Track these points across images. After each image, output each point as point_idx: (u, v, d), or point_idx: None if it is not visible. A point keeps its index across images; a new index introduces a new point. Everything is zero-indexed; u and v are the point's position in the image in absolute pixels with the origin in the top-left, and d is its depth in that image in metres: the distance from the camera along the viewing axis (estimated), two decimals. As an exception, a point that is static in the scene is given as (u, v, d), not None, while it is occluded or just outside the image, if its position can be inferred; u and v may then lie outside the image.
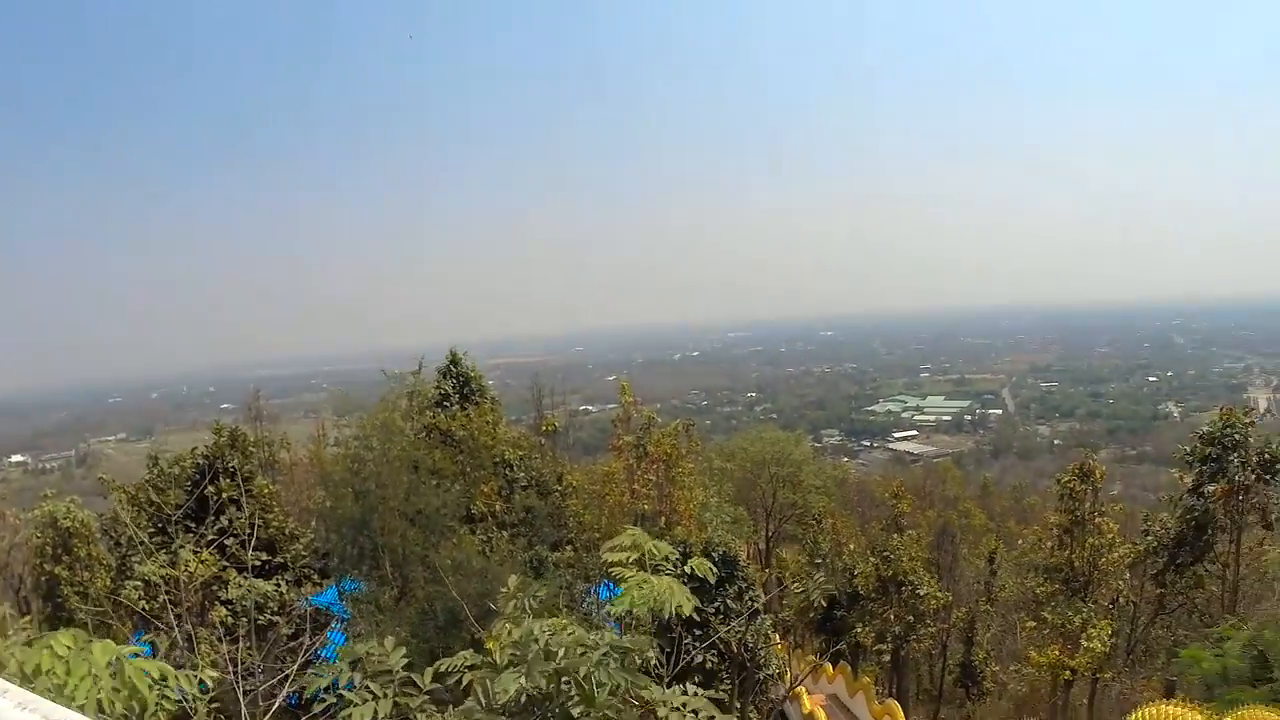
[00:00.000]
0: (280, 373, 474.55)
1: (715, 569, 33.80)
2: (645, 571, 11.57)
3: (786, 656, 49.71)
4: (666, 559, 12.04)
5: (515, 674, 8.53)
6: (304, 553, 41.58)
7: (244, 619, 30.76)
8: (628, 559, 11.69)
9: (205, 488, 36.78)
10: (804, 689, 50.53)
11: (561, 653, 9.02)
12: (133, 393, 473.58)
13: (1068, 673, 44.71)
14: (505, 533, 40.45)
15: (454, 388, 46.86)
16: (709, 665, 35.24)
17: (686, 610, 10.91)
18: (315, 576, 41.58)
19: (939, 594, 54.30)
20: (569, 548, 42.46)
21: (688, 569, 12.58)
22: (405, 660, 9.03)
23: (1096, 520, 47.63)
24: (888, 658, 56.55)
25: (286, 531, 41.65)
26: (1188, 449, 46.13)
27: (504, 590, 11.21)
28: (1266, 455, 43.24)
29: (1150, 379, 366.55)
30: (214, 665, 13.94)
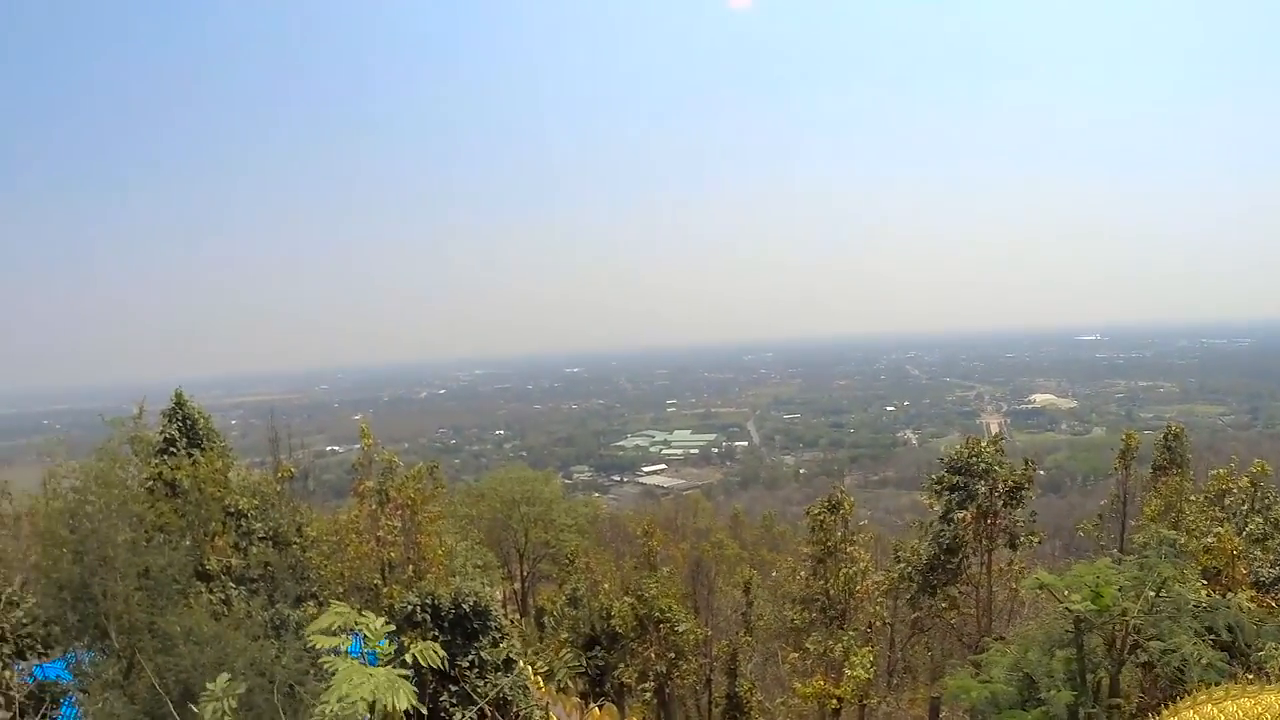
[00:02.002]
0: (12, 410, 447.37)
1: (470, 620, 32.03)
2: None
3: (549, 703, 48.13)
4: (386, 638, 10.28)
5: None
6: (25, 620, 37.46)
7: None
8: (342, 645, 9.87)
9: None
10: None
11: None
12: None
13: (834, 701, 44.50)
14: (243, 589, 37.69)
15: (180, 431, 43.04)
16: (468, 722, 33.31)
17: (404, 705, 9.27)
18: (39, 646, 37.57)
19: (698, 629, 53.78)
20: (313, 602, 39.94)
21: (409, 658, 10.59)
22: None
23: (848, 550, 47.85)
24: (652, 695, 55.52)
25: (4, 597, 37.50)
26: (935, 477, 46.93)
27: (208, 690, 9.42)
28: (1012, 482, 44.42)
29: (888, 408, 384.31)
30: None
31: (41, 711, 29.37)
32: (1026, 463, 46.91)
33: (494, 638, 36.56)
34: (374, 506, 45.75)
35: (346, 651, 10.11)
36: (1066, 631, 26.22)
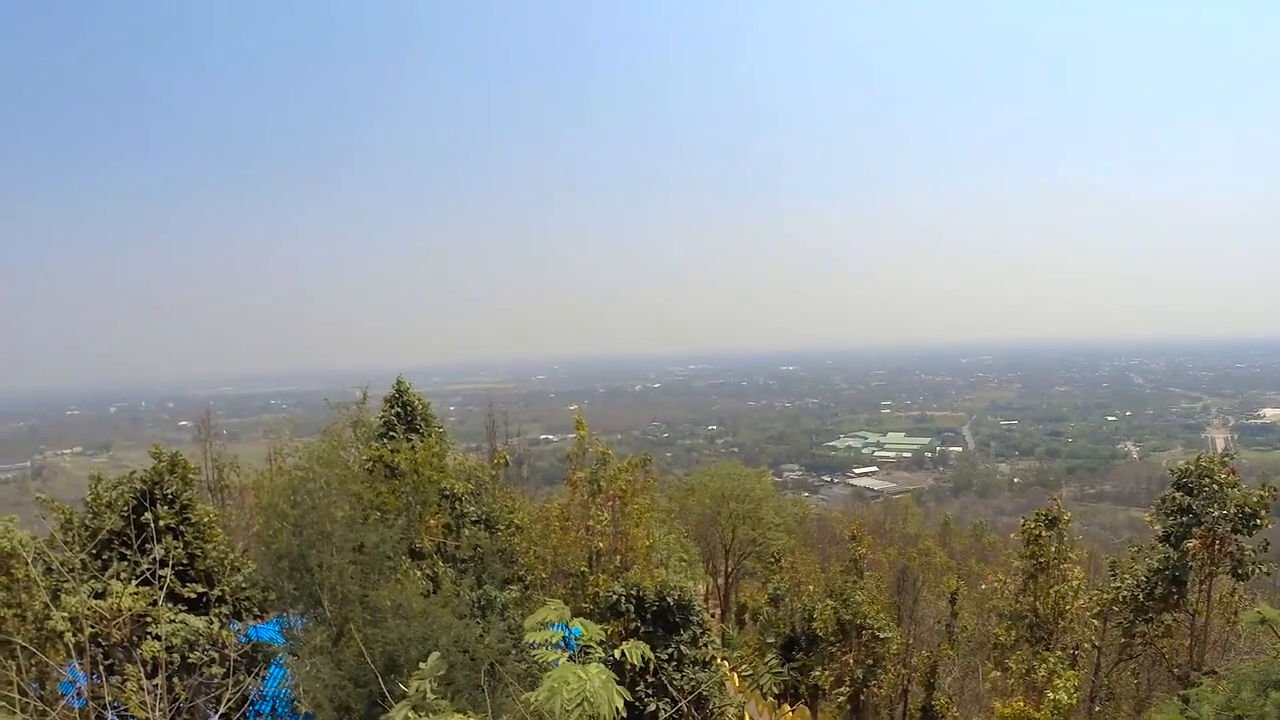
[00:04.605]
0: (242, 390, 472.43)
1: (672, 614, 32.47)
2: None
3: (744, 701, 48.34)
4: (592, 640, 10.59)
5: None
6: (245, 584, 39.63)
7: (176, 655, 29.20)
8: (552, 639, 10.25)
9: (144, 515, 34.97)
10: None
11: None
12: (91, 405, 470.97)
13: (1033, 724, 43.17)
14: (452, 568, 38.98)
15: (399, 417, 45.18)
16: (662, 714, 33.77)
17: (619, 704, 9.49)
18: (255, 609, 39.72)
19: (899, 638, 53.02)
20: (519, 585, 41.05)
21: (617, 654, 10.96)
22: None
23: (1061, 567, 46.04)
24: (846, 701, 55.07)
25: (227, 562, 39.65)
26: (1162, 496, 44.74)
27: (420, 669, 9.92)
28: (1247, 509, 41.78)
29: (1109, 418, 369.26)
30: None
31: (254, 670, 31.06)
32: (1265, 486, 44.05)
33: (694, 633, 36.90)
34: (586, 496, 46.69)
35: (560, 643, 10.49)
36: (1284, 672, 24.90)
